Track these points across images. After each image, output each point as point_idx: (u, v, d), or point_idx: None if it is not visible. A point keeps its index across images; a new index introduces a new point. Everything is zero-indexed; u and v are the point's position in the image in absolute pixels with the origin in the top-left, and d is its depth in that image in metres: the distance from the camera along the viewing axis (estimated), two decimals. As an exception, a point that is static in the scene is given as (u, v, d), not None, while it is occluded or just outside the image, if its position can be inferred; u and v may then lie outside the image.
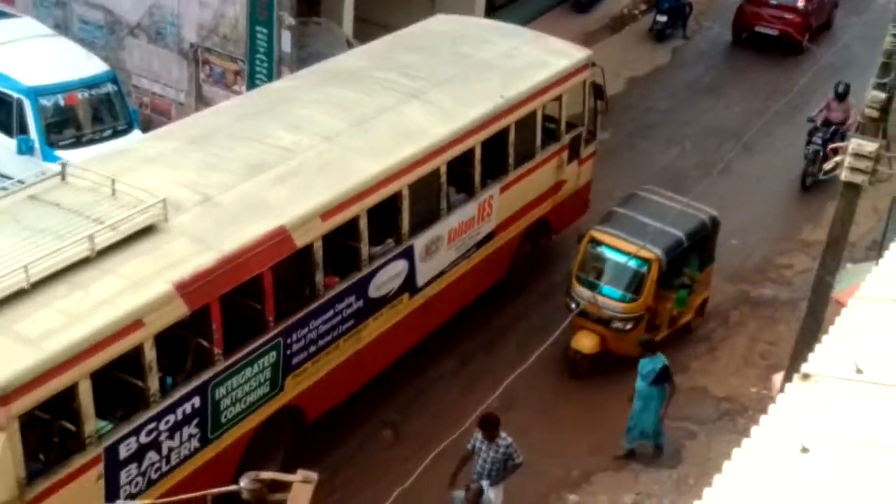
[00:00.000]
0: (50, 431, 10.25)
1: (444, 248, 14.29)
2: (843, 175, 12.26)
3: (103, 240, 10.57)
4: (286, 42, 17.73)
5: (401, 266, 13.51)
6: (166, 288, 10.48)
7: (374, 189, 12.76)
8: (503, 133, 14.94)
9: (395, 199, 13.10)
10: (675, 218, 15.00)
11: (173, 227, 11.12)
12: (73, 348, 9.70)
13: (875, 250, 16.38)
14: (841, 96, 20.15)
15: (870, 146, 12.02)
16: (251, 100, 14.72)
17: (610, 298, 14.93)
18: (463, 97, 14.67)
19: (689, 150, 20.86)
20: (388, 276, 13.34)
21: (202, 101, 19.29)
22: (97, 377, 9.96)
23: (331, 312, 12.53)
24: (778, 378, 13.52)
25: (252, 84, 18.04)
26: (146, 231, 10.91)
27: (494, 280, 15.94)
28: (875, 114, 12.18)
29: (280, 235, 11.59)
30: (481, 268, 15.28)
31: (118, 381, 10.49)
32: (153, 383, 10.55)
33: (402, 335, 13.91)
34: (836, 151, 15.75)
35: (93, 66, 17.76)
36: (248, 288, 11.35)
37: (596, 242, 15.20)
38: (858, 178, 12.22)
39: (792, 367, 11.56)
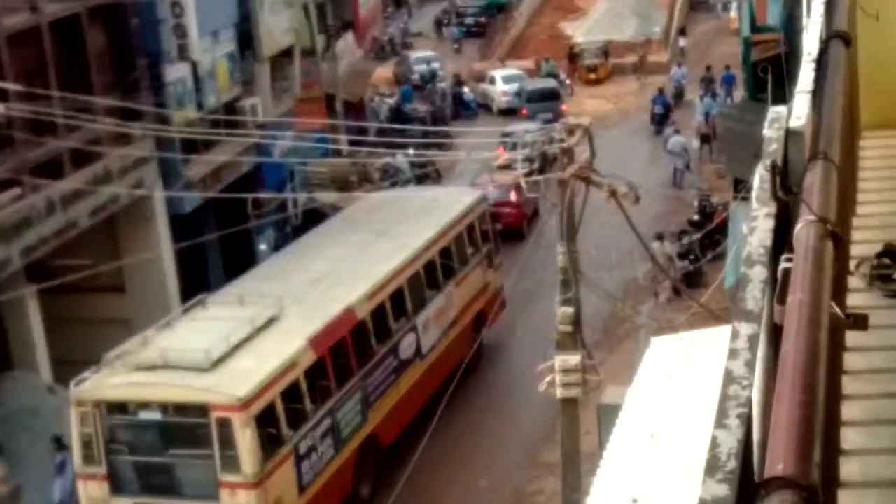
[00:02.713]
0: (261, 437, 15.21)
1: (432, 326, 20.68)
2: (558, 393, 12.78)
3: (256, 323, 16.50)
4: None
5: (412, 337, 19.91)
6: (304, 342, 16.62)
7: (390, 280, 19.44)
8: (449, 245, 21.90)
9: (401, 289, 19.71)
10: None
11: (288, 315, 17.22)
12: (270, 376, 15.61)
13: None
14: None
15: (573, 359, 12.71)
16: (287, 254, 21.71)
17: None
18: (419, 226, 21.74)
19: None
20: (408, 344, 19.70)
21: None
22: (282, 398, 15.68)
23: (383, 367, 18.73)
24: None
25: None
26: (274, 318, 16.96)
27: (462, 356, 19.85)
28: (569, 328, 12.86)
29: (350, 312, 18.05)
30: (454, 344, 21.25)
31: (285, 407, 15.82)
32: (307, 404, 16.32)
33: (421, 389, 19.83)
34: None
35: None
36: (339, 347, 17.44)
37: None
38: (572, 392, 12.78)
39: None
